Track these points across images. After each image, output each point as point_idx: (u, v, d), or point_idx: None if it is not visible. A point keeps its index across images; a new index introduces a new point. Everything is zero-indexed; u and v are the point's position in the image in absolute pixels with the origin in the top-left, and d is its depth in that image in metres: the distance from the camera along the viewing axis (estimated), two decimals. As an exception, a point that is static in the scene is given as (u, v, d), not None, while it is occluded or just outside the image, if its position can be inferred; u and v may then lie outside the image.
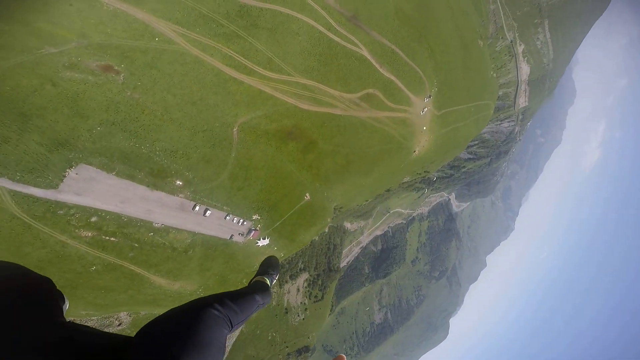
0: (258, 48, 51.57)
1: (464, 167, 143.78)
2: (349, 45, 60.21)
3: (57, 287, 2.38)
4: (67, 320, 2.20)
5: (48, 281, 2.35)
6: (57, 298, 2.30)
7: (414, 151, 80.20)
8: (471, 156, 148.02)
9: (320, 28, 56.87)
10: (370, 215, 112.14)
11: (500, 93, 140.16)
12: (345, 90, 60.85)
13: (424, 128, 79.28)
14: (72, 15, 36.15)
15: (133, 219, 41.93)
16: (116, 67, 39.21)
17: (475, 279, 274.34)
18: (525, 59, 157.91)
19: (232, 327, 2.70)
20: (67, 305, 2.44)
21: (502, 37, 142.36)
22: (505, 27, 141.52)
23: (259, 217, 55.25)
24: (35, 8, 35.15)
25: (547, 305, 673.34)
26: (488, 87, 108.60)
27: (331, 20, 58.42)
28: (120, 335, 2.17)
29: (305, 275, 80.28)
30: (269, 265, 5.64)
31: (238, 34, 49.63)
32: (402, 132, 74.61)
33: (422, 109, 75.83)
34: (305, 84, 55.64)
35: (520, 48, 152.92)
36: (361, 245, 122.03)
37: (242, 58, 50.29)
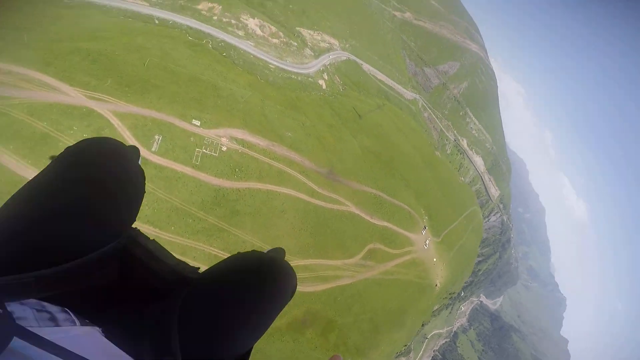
0: (245, 239, 48.89)
1: (479, 270, 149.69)
2: (336, 207, 60.72)
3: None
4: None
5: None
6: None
7: (436, 285, 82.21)
8: (481, 258, 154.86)
9: (304, 197, 57.21)
10: (410, 349, 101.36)
11: (476, 188, 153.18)
12: (347, 255, 59.01)
13: (434, 260, 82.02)
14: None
15: None
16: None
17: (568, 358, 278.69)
18: (473, 150, 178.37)
19: None
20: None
21: (446, 140, 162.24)
22: (444, 129, 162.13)
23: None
24: None
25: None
26: (466, 194, 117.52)
27: (312, 185, 60.02)
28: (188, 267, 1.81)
29: None
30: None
31: (219, 226, 47.14)
32: (417, 273, 75.44)
33: (423, 242, 76.47)
34: (305, 264, 52.26)
35: (464, 143, 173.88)
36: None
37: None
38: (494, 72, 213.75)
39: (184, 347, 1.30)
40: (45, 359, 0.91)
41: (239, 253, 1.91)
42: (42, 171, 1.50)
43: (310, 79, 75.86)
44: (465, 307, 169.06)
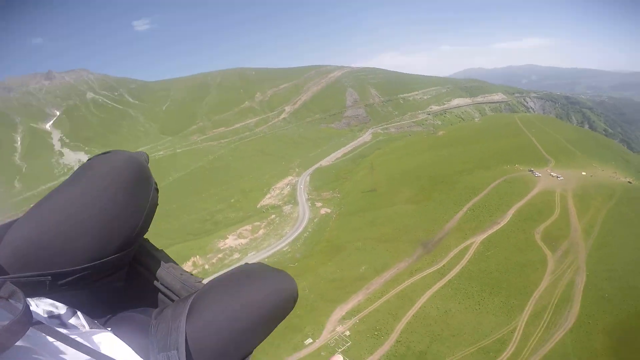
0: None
1: (604, 131, 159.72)
2: (466, 257, 56.09)
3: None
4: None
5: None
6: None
7: (629, 182, 76.87)
8: (586, 126, 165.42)
9: (439, 284, 50.19)
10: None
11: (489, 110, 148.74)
12: (542, 268, 50.10)
13: (583, 173, 75.64)
14: None
15: None
16: None
17: None
18: (443, 103, 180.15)
19: None
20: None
21: (425, 123, 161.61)
22: (412, 120, 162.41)
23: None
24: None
25: None
26: (494, 122, 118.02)
27: (429, 270, 55.43)
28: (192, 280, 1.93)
29: None
30: None
31: None
32: (601, 199, 65.30)
33: (554, 177, 71.31)
34: (531, 312, 43.75)
35: (432, 108, 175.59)
36: None
37: None
38: (368, 65, 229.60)
39: (189, 352, 1.39)
40: (57, 351, 0.98)
41: (245, 264, 1.86)
42: (70, 180, 1.64)
43: (316, 219, 75.44)
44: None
